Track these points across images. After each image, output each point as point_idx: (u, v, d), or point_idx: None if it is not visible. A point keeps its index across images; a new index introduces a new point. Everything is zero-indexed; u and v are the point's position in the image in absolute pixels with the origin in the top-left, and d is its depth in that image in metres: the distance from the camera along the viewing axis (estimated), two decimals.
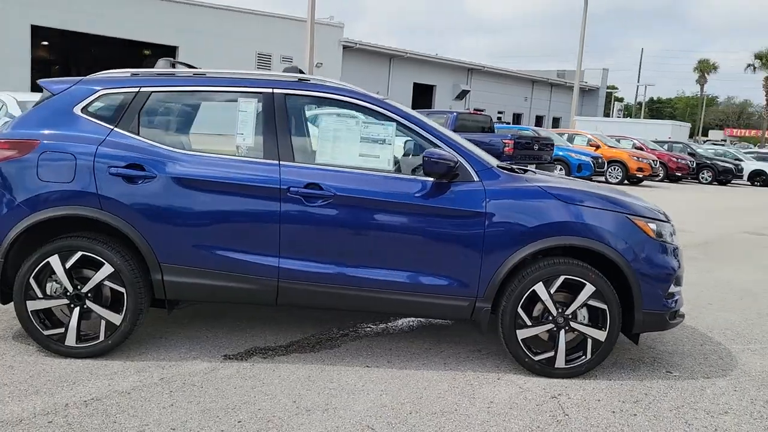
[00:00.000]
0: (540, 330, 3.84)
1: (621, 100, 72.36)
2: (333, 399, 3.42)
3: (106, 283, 3.72)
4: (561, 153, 18.99)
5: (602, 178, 20.04)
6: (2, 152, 3.72)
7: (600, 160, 19.69)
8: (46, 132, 3.76)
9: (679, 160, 24.66)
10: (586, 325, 3.81)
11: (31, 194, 3.66)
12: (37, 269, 3.68)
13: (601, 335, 3.80)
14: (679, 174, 24.34)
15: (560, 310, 3.80)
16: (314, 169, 3.79)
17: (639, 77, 62.50)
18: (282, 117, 3.83)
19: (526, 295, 3.77)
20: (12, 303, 3.81)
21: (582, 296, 3.76)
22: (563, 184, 3.99)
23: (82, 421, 3.05)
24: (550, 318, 3.81)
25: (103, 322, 3.74)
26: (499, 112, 42.05)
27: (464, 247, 3.74)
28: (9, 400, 3.21)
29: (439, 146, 3.83)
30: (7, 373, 3.52)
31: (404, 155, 4.48)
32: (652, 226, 3.87)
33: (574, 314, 3.81)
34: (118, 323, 3.74)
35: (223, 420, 3.13)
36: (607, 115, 53.54)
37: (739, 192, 22.59)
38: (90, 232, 3.77)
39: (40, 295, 3.71)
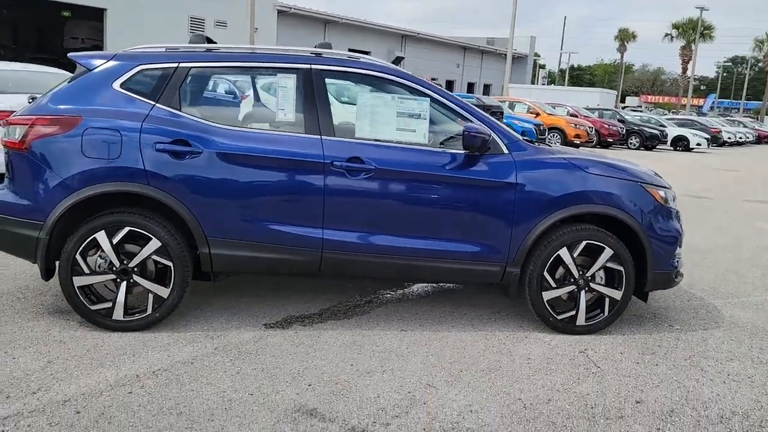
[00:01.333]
0: (563, 291, 4.17)
1: (544, 67, 74.18)
2: (386, 362, 3.64)
3: (154, 257, 3.77)
4: (505, 120, 19.53)
5: None
6: (43, 129, 3.67)
7: (542, 128, 20.41)
8: (88, 108, 3.73)
9: (611, 126, 25.79)
10: (604, 285, 4.17)
11: (76, 171, 3.64)
12: (83, 245, 3.69)
13: (617, 294, 4.17)
14: (611, 140, 25.49)
15: (581, 273, 4.13)
16: (355, 143, 3.93)
17: (562, 45, 64.37)
18: (321, 93, 3.94)
19: (551, 259, 4.08)
20: (48, 281, 3.83)
21: (601, 259, 4.11)
22: (583, 156, 4.31)
23: (160, 390, 3.15)
24: (572, 280, 4.14)
25: (150, 296, 3.80)
26: (432, 79, 42.38)
27: (497, 216, 4.00)
28: (79, 374, 3.26)
29: (471, 121, 4.04)
30: (62, 348, 3.55)
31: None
32: (661, 192, 4.25)
33: (594, 276, 4.15)
34: (165, 296, 3.81)
35: (293, 384, 3.30)
36: (533, 82, 54.88)
37: (665, 156, 23.93)
38: (136, 207, 3.79)
39: (86, 270, 3.73)
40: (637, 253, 4.18)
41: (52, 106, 3.74)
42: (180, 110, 3.82)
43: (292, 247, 3.89)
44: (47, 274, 3.79)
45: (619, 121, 27.68)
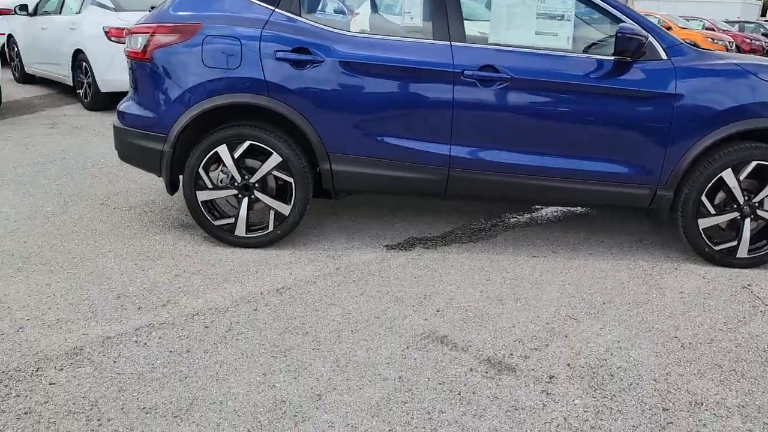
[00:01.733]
0: (723, 219, 3.67)
1: None
2: (517, 289, 3.36)
3: (275, 173, 3.63)
4: None
5: None
6: (164, 38, 3.54)
7: None
8: (207, 14, 3.55)
9: (753, 41, 23.20)
10: None
11: (197, 82, 3.51)
12: (205, 159, 3.60)
13: None
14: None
15: (747, 198, 3.60)
16: (488, 49, 3.53)
17: None
18: None
19: (711, 182, 3.57)
20: (173, 195, 3.82)
21: None
22: (756, 61, 3.68)
23: (284, 308, 3.05)
24: (735, 206, 3.62)
25: (271, 213, 3.69)
26: None
27: (650, 131, 3.51)
28: (205, 289, 3.22)
29: (623, 21, 3.51)
30: (188, 262, 3.53)
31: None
32: None
33: (762, 202, 3.61)
34: (287, 213, 3.68)
35: (420, 309, 3.10)
36: None
37: None
38: (256, 120, 3.63)
39: (209, 185, 3.65)
40: None
41: (173, 13, 3.59)
42: (300, 16, 3.56)
43: (417, 165, 3.61)
44: (172, 189, 3.76)
45: (762, 35, 24.87)
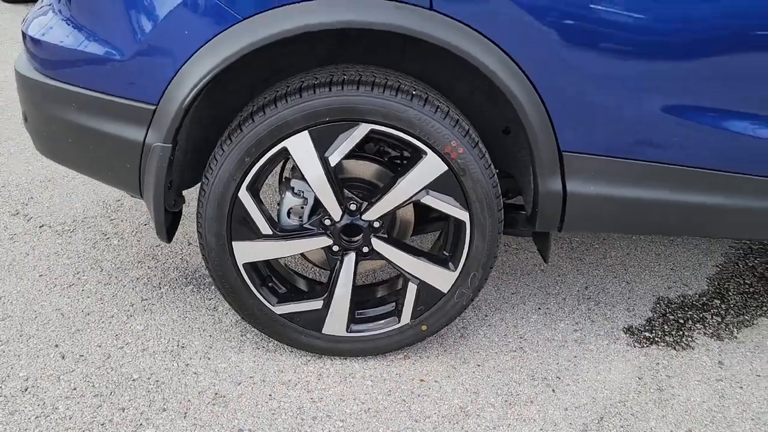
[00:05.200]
0: None
1: None
2: None
3: (427, 198, 1.49)
4: None
5: None
6: None
7: None
8: None
9: None
10: None
11: None
12: (257, 167, 1.45)
13: None
14: None
15: None
16: None
17: None
18: None
19: None
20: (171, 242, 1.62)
21: None
22: None
23: None
24: None
25: (410, 288, 1.57)
26: None
27: None
28: None
29: None
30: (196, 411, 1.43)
31: None
32: None
33: None
34: (446, 289, 1.58)
35: None
36: None
37: None
38: (380, 72, 1.46)
39: (263, 228, 1.51)
40: None
41: None
42: None
43: (742, 176, 1.49)
44: (168, 231, 1.58)
45: None
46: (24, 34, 1.57)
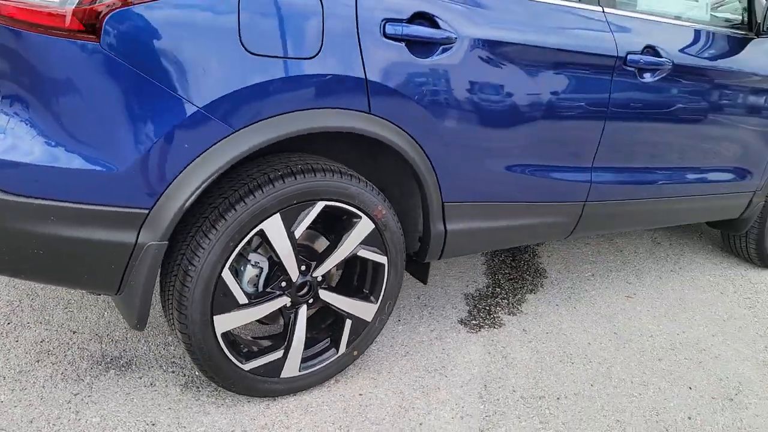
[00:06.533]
0: None
1: None
2: None
3: (362, 251, 1.93)
4: None
5: None
6: None
7: None
8: None
9: None
10: None
11: (229, 88, 1.53)
12: (236, 250, 1.70)
13: None
14: None
15: None
16: (645, 21, 2.37)
17: None
18: None
19: None
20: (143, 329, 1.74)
21: None
22: None
23: None
24: None
25: (347, 324, 1.99)
26: None
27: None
28: None
29: None
30: None
31: None
32: None
33: None
34: (370, 318, 2.03)
35: None
36: None
37: None
38: (330, 158, 1.85)
39: (241, 299, 1.77)
40: None
41: None
42: None
43: (551, 204, 2.32)
44: (142, 319, 1.70)
45: None
46: None
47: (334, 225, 1.91)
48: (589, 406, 2.11)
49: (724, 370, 2.42)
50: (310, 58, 1.61)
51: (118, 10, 1.42)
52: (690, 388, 2.28)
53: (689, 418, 2.12)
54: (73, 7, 1.39)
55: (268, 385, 1.90)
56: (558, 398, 2.13)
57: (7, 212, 1.48)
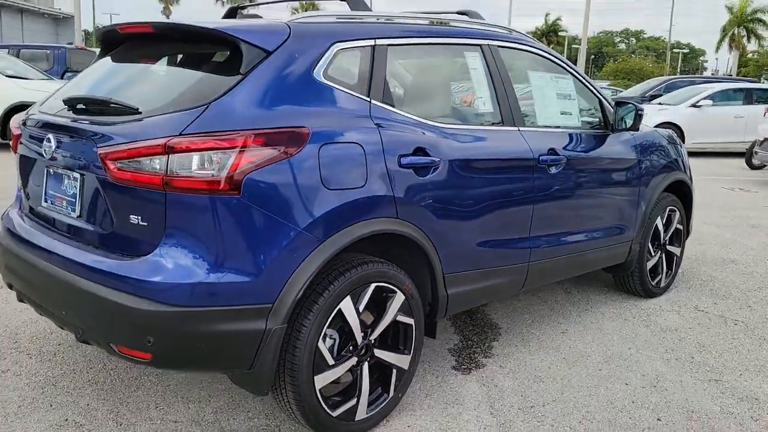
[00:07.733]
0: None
1: None
2: None
3: (399, 317, 2.69)
4: None
5: None
6: (259, 152, 2.18)
7: None
8: (304, 111, 2.35)
9: None
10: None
11: (320, 212, 2.30)
12: (327, 324, 2.40)
13: (677, 251, 4.58)
14: None
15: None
16: (545, 132, 3.41)
17: None
18: (505, 74, 3.24)
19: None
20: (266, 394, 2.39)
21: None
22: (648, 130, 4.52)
23: None
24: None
25: (393, 372, 2.71)
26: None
27: (632, 192, 3.98)
28: None
29: (600, 98, 3.85)
30: None
31: None
32: None
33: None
34: (407, 366, 2.76)
35: None
36: None
37: None
38: (376, 252, 2.63)
39: (330, 361, 2.45)
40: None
41: (250, 114, 2.24)
42: (394, 107, 2.71)
43: (509, 266, 3.22)
44: (268, 384, 2.34)
45: None
46: (149, 283, 2.12)
47: (375, 301, 2.64)
48: (564, 407, 2.93)
49: (644, 369, 3.34)
50: (361, 187, 2.42)
51: (247, 175, 2.16)
52: (626, 384, 3.17)
53: (632, 402, 2.99)
54: (224, 175, 2.12)
55: (348, 427, 2.55)
56: (543, 405, 2.94)
57: (184, 318, 2.12)
